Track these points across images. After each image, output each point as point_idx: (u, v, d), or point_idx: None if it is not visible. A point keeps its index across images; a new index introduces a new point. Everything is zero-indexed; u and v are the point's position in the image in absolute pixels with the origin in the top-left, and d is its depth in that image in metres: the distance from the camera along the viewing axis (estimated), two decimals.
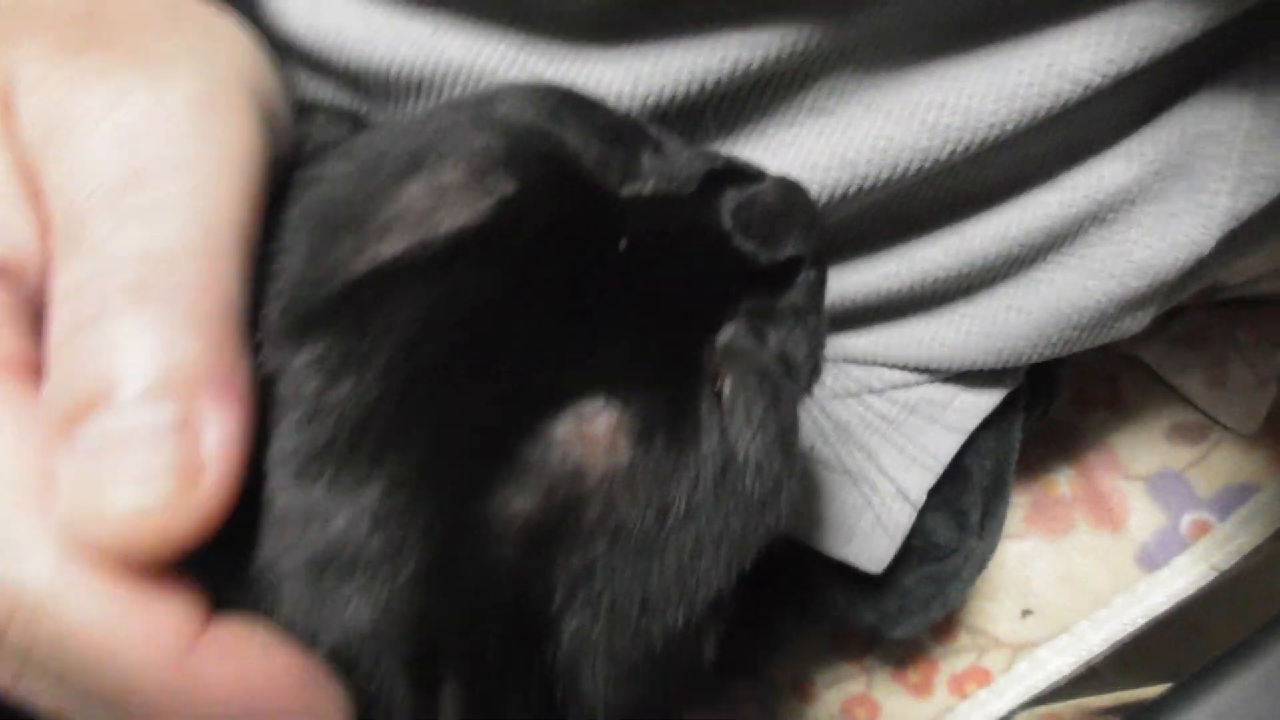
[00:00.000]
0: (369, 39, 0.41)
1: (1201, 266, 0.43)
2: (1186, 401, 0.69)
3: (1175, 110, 0.42)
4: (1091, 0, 0.38)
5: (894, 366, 0.49)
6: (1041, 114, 0.39)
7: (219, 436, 0.22)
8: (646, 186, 0.32)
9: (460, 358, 0.26)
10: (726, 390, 0.29)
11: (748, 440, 0.29)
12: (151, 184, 0.23)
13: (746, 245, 0.31)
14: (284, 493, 0.25)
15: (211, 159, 0.25)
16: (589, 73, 0.39)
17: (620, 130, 0.33)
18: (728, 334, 0.30)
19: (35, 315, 0.24)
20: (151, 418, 0.21)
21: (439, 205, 0.28)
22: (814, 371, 0.34)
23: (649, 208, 0.31)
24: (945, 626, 0.70)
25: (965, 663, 0.71)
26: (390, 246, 0.27)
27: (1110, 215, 0.43)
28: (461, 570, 0.25)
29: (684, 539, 0.28)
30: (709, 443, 0.28)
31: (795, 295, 0.32)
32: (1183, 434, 0.70)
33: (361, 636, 0.25)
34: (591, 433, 0.26)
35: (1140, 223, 0.42)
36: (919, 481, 0.48)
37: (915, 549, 0.51)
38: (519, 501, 0.25)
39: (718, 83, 0.39)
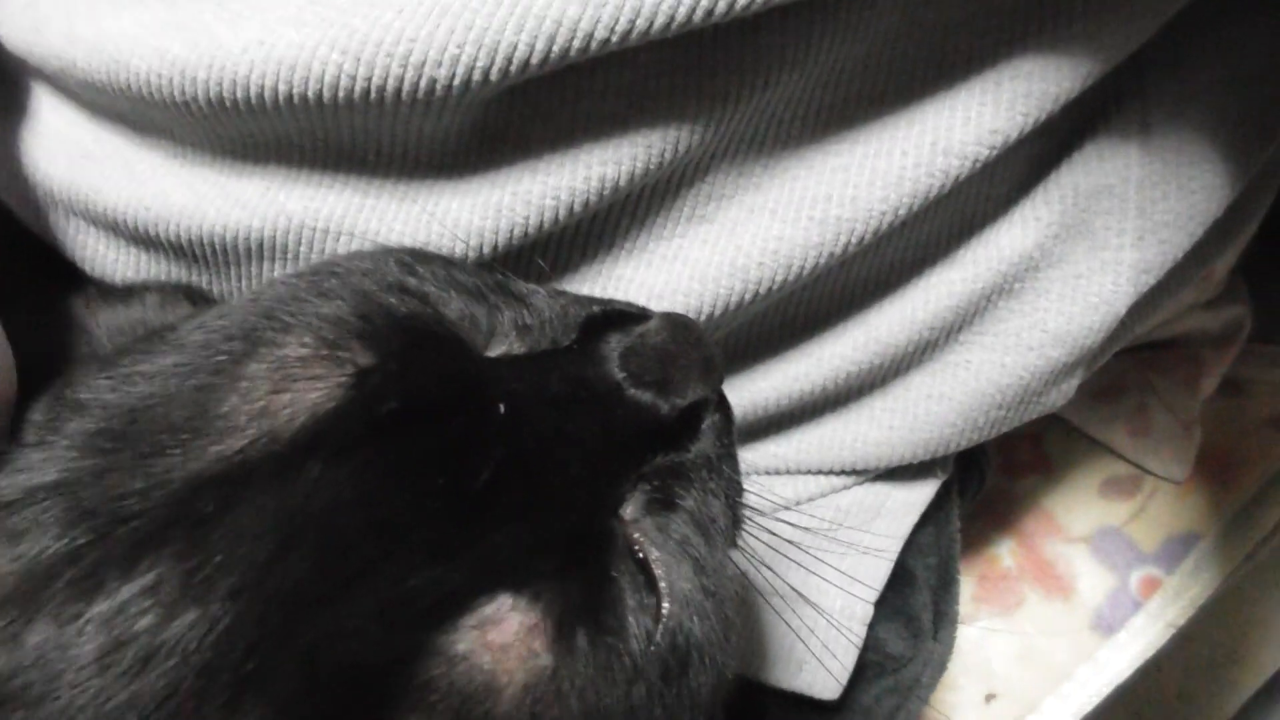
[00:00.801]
0: (196, 206, 0.37)
1: (1120, 327, 0.41)
2: (1115, 454, 0.68)
3: (1063, 168, 0.40)
4: (964, 72, 0.36)
5: (819, 473, 0.45)
6: (932, 193, 0.36)
7: None
8: (517, 344, 0.29)
9: (324, 570, 0.22)
10: (653, 568, 0.25)
11: (684, 623, 0.25)
12: None
13: (643, 396, 0.27)
14: None
15: None
16: (443, 209, 0.36)
17: (478, 284, 0.30)
18: (638, 502, 0.27)
19: None
20: None
21: (284, 386, 0.24)
22: (735, 522, 0.30)
23: (525, 366, 0.28)
24: None
25: None
26: (231, 443, 0.23)
27: (1017, 285, 0.40)
28: None
29: None
30: (637, 628, 0.24)
31: (704, 444, 0.28)
32: (1116, 488, 0.68)
33: None
34: (500, 640, 0.22)
35: (1048, 290, 0.40)
36: (864, 594, 0.45)
37: (871, 664, 0.47)
38: None
39: (585, 202, 0.35)
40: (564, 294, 0.32)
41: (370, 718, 0.21)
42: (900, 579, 0.47)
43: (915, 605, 0.48)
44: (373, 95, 0.32)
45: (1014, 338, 0.41)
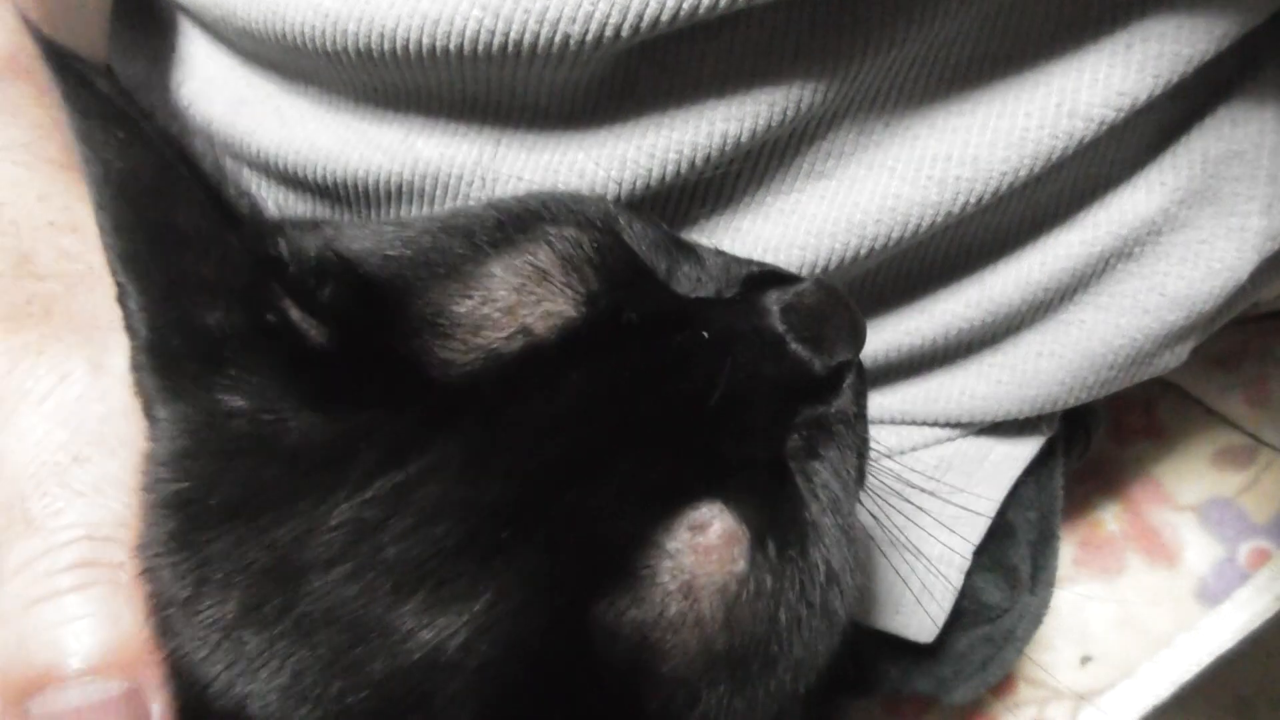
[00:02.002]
0: (341, 150, 0.40)
1: (1240, 293, 0.41)
2: (1230, 424, 0.67)
3: (1194, 134, 0.40)
4: (1091, 32, 0.36)
5: (925, 424, 0.46)
6: (1055, 155, 0.37)
7: (163, 703, 0.23)
8: (698, 291, 0.32)
9: (578, 459, 0.26)
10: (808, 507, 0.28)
11: (828, 556, 0.28)
12: (91, 463, 0.26)
13: (802, 351, 0.30)
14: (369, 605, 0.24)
15: (140, 434, 0.27)
16: (570, 162, 0.38)
17: (659, 236, 0.33)
18: (793, 445, 0.29)
19: None
20: (99, 693, 0.23)
21: (528, 290, 0.28)
22: (861, 478, 0.32)
23: (712, 306, 0.31)
24: (1003, 680, 0.66)
25: (1028, 716, 0.67)
26: (490, 334, 0.27)
27: (1137, 249, 0.41)
28: (568, 674, 0.24)
29: (791, 648, 0.27)
30: (816, 552, 0.27)
31: (844, 402, 0.31)
32: (1230, 458, 0.67)
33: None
34: (705, 543, 0.26)
35: (1170, 254, 0.40)
36: (963, 543, 0.46)
37: (966, 611, 0.49)
38: (633, 611, 0.25)
39: (707, 158, 0.37)
40: (723, 253, 0.34)
41: (593, 593, 0.25)
42: (1000, 531, 0.48)
43: (1013, 557, 0.49)
44: (509, 49, 0.34)
45: (1130, 299, 0.41)
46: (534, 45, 0.34)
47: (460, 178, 0.39)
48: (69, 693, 0.22)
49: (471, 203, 0.39)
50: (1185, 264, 0.40)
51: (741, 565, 0.26)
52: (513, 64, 0.35)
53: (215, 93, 0.44)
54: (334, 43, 0.36)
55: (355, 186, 0.40)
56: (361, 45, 0.35)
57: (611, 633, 0.25)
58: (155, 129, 0.29)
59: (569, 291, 0.28)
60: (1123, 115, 0.36)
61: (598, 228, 0.31)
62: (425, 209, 0.40)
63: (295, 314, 0.27)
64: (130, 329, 0.28)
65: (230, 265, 0.28)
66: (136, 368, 0.28)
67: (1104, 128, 0.36)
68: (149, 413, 0.28)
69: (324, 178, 0.41)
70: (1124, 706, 0.66)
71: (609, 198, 0.38)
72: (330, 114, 0.41)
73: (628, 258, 0.31)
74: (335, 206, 0.42)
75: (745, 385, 0.28)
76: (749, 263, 0.34)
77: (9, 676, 0.23)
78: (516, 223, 0.30)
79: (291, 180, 0.42)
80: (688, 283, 0.32)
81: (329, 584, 0.24)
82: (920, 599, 0.46)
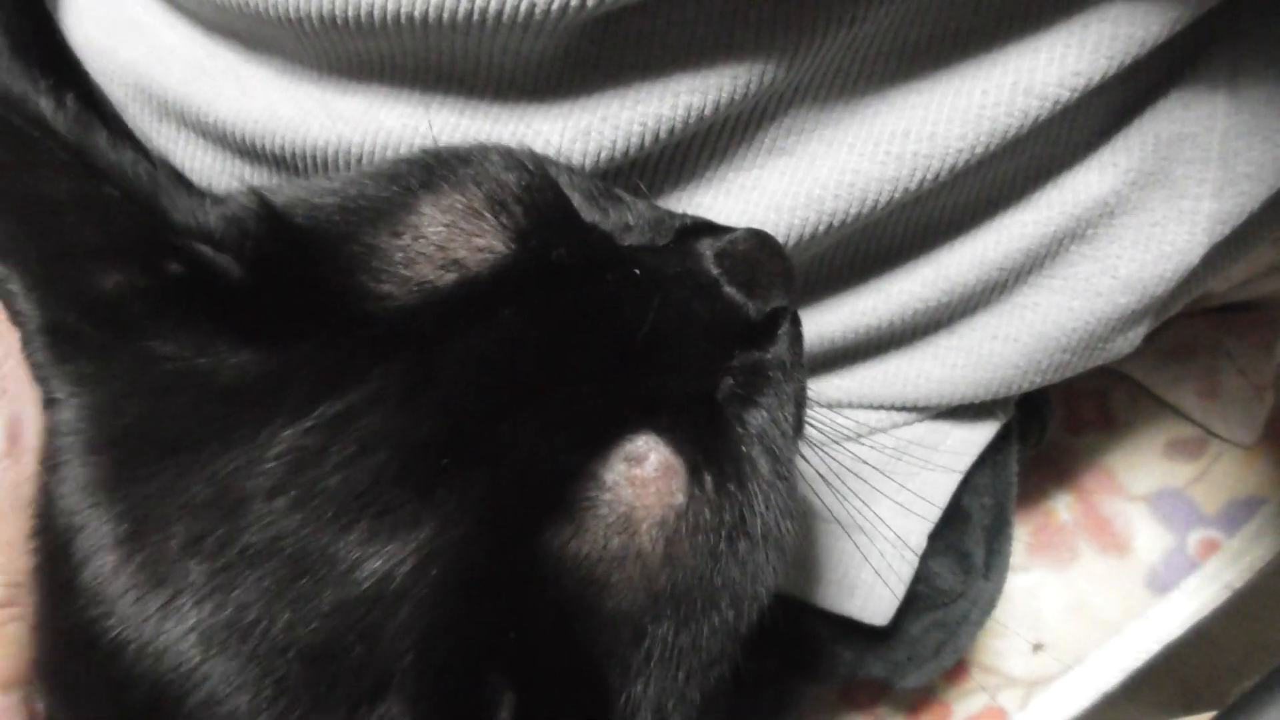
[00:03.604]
0: (302, 120, 0.39)
1: (1193, 277, 0.41)
2: (1181, 415, 0.68)
3: (1146, 116, 0.40)
4: (1050, 13, 0.36)
5: (881, 408, 0.47)
6: (1010, 133, 0.37)
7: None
8: (629, 238, 0.31)
9: (512, 393, 0.26)
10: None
11: (764, 499, 0.28)
12: None
13: (736, 295, 0.30)
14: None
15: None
16: (535, 132, 0.38)
17: (589, 186, 0.33)
18: (725, 392, 0.29)
19: None
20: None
21: (458, 229, 0.28)
22: (798, 427, 0.32)
23: (641, 250, 0.31)
24: (956, 667, 0.67)
25: (979, 704, 0.68)
26: (421, 270, 0.27)
27: (1090, 231, 0.41)
28: (514, 603, 0.24)
29: (732, 583, 0.27)
30: (753, 486, 0.28)
31: (780, 349, 0.31)
32: (1181, 450, 0.68)
33: (413, 656, 0.24)
34: (642, 475, 0.26)
35: (1122, 236, 0.41)
36: (917, 527, 0.46)
37: (920, 596, 0.49)
38: (574, 544, 0.25)
39: (671, 130, 0.37)
40: (656, 206, 0.34)
41: (536, 525, 0.25)
42: (955, 516, 0.48)
43: (968, 542, 0.49)
44: (474, 17, 0.33)
45: (1083, 282, 0.41)
46: (499, 14, 0.33)
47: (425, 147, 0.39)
48: None
49: None
50: (1137, 246, 0.40)
51: (680, 498, 0.26)
52: (478, 33, 0.34)
53: (173, 61, 0.43)
54: (296, 9, 0.35)
55: (315, 157, 0.40)
56: (326, 12, 0.35)
57: (555, 565, 0.25)
58: (20, 96, 0.27)
59: (499, 229, 0.28)
60: (1077, 95, 0.36)
61: (528, 170, 0.31)
62: None
63: (208, 253, 0.27)
64: (17, 316, 0.27)
65: (116, 224, 0.27)
66: (30, 355, 0.27)
67: (1058, 107, 0.37)
68: (48, 397, 0.27)
69: (283, 147, 0.40)
70: (1075, 694, 0.67)
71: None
72: (292, 84, 0.40)
73: (558, 200, 0.31)
74: (293, 178, 0.42)
75: (677, 323, 0.29)
76: (682, 215, 0.34)
77: None
78: (445, 166, 0.30)
79: (249, 151, 0.41)
80: (618, 230, 0.32)
81: (272, 514, 0.24)
82: (875, 582, 0.46)
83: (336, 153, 0.39)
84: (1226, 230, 0.40)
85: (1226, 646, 0.66)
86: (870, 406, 0.47)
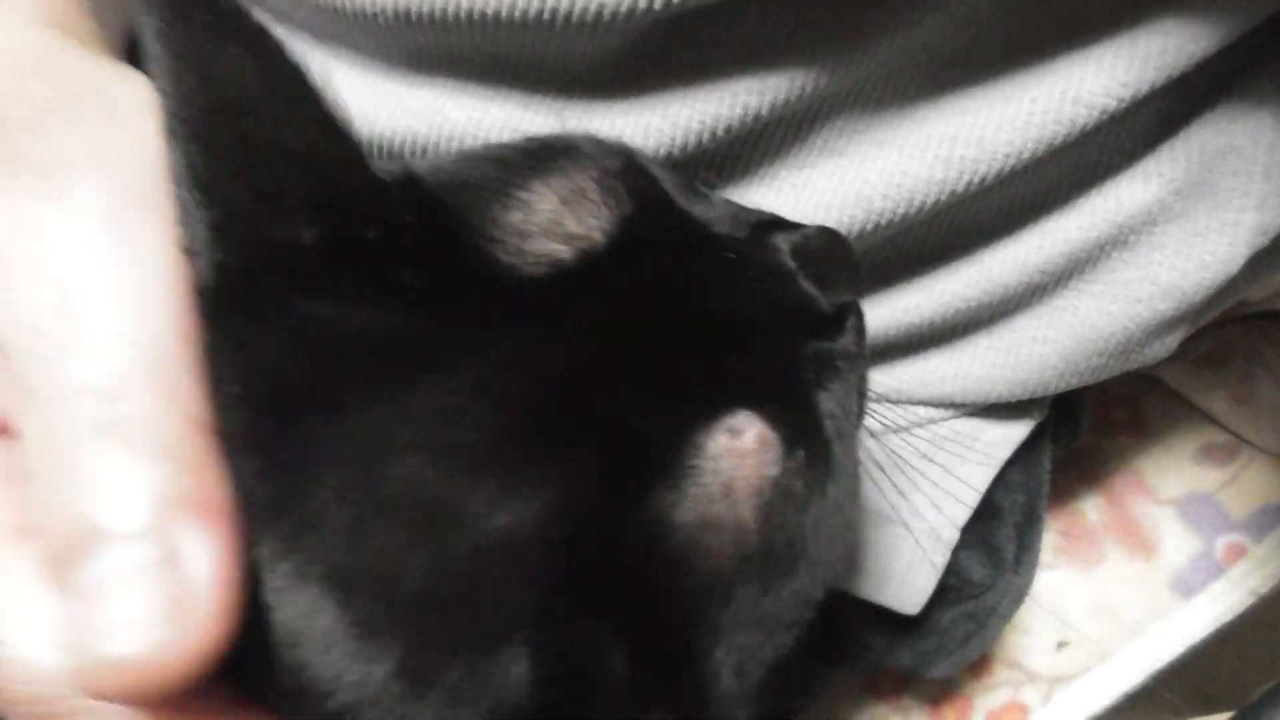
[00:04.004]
0: (371, 111, 0.41)
1: (1231, 285, 0.42)
2: (1213, 422, 0.68)
3: (1193, 127, 0.41)
4: (1102, 25, 0.37)
5: (919, 403, 0.48)
6: (1057, 141, 0.38)
7: (208, 563, 0.21)
8: (715, 227, 0.33)
9: (628, 359, 0.28)
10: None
11: (844, 467, 0.30)
12: (78, 317, 0.23)
13: (810, 287, 0.31)
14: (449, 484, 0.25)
15: (133, 276, 0.24)
16: (596, 126, 0.39)
17: (677, 180, 0.34)
18: (803, 374, 0.31)
19: None
20: (134, 558, 0.21)
21: (572, 206, 0.30)
22: (860, 414, 0.34)
23: (735, 242, 0.32)
24: (980, 661, 0.68)
25: (1002, 698, 0.69)
26: (546, 248, 0.29)
27: (1132, 238, 0.42)
28: (624, 562, 0.26)
29: (813, 551, 0.28)
30: (835, 461, 0.29)
31: (847, 340, 0.32)
32: (1211, 455, 0.68)
33: (535, 605, 0.25)
34: (741, 447, 0.27)
35: (1164, 244, 0.42)
36: (951, 520, 0.47)
37: (951, 588, 0.50)
38: (679, 509, 0.26)
39: (728, 129, 0.38)
40: (731, 201, 0.36)
41: (646, 488, 0.26)
42: (987, 511, 0.49)
43: (999, 537, 0.50)
44: (545, 16, 0.35)
45: (1123, 288, 0.42)
46: (569, 14, 0.35)
47: (486, 141, 0.40)
48: (96, 563, 0.21)
49: None
50: (1179, 255, 0.41)
51: (774, 470, 0.27)
52: (547, 31, 0.36)
53: None
54: (373, 5, 0.37)
55: (383, 147, 0.41)
56: (400, 8, 0.36)
57: (660, 528, 0.26)
58: (274, 44, 0.28)
59: (606, 209, 0.30)
60: (1124, 106, 0.37)
61: (628, 157, 0.32)
62: None
63: (388, 227, 0.28)
64: (190, 251, 0.27)
65: (336, 183, 0.28)
66: (198, 291, 0.27)
67: (1105, 116, 0.38)
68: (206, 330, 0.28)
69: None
70: (1097, 692, 0.68)
71: None
72: (360, 76, 0.42)
73: (655, 188, 0.32)
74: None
75: (766, 310, 0.30)
76: (755, 211, 0.36)
77: (49, 557, 0.23)
78: (546, 150, 0.32)
79: None
80: (706, 220, 0.34)
81: (411, 469, 0.25)
82: (908, 572, 0.47)
83: (404, 143, 0.41)
84: (1266, 241, 0.41)
85: (1249, 651, 0.67)
86: (908, 401, 0.48)
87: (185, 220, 0.27)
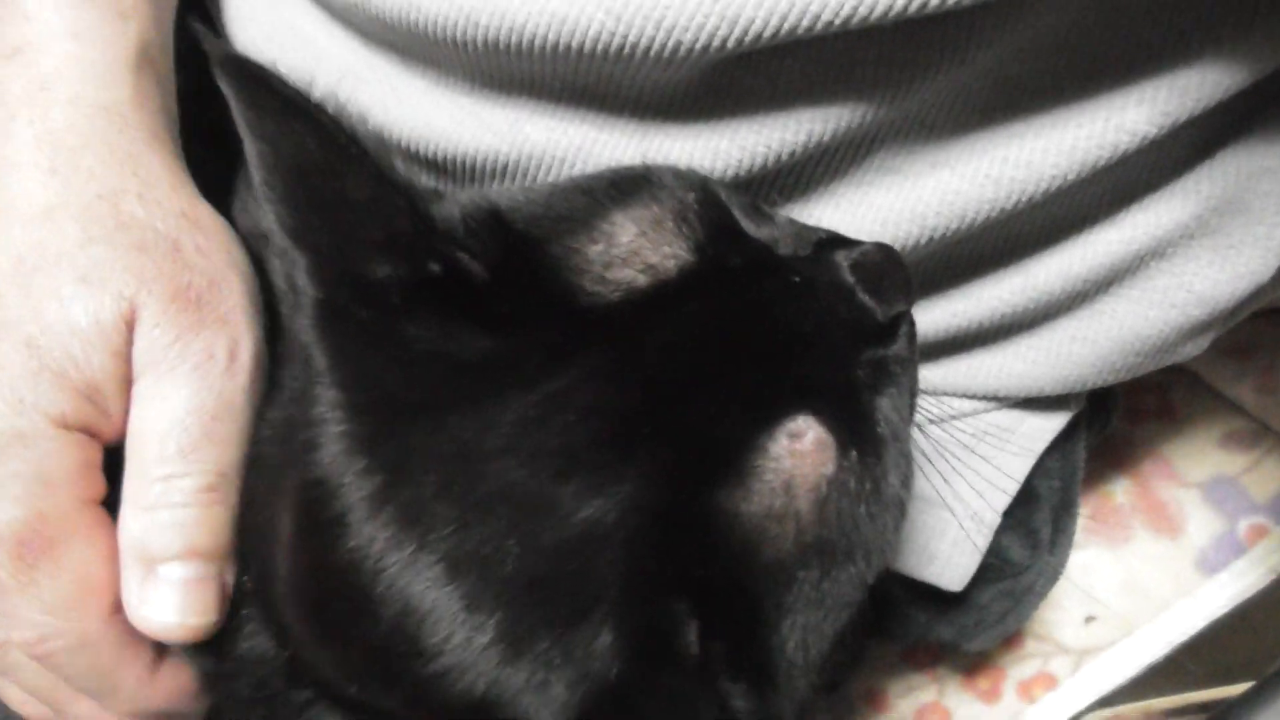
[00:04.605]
0: (454, 130, 0.44)
1: (1260, 292, 0.45)
2: (1238, 409, 0.71)
3: (1230, 149, 0.44)
4: (1145, 61, 0.40)
5: (963, 396, 0.51)
6: (1101, 163, 0.41)
7: (232, 579, 0.36)
8: (780, 248, 0.37)
9: (696, 377, 0.32)
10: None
11: (896, 464, 0.34)
12: (213, 428, 0.35)
13: (868, 300, 0.35)
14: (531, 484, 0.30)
15: (250, 404, 0.37)
16: (667, 150, 0.42)
17: (745, 203, 0.38)
18: (859, 379, 0.34)
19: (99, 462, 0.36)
20: (196, 572, 0.35)
21: (649, 237, 0.34)
22: (912, 413, 0.37)
23: (796, 262, 0.36)
24: (1012, 635, 0.72)
25: (1032, 669, 0.73)
26: (622, 272, 0.33)
27: (1170, 250, 0.45)
28: (695, 550, 0.30)
29: (866, 539, 0.32)
30: (889, 459, 0.33)
31: (900, 347, 0.36)
32: (1236, 441, 0.72)
33: (617, 587, 0.29)
34: (801, 448, 0.31)
35: (1199, 256, 0.45)
36: (993, 504, 0.51)
37: (991, 567, 0.54)
38: (745, 503, 0.30)
39: (792, 153, 0.41)
40: (794, 221, 0.39)
41: (714, 485, 0.30)
42: (1026, 496, 0.53)
43: (1037, 520, 0.54)
44: (625, 50, 0.37)
45: (1160, 295, 0.46)
46: (648, 49, 0.37)
47: (563, 160, 0.43)
48: (175, 570, 0.35)
49: None
50: (1213, 266, 0.45)
51: (830, 468, 0.31)
52: (625, 63, 0.38)
53: (331, 68, 0.47)
54: (464, 33, 0.39)
55: (465, 164, 0.44)
56: (490, 38, 0.39)
57: (728, 520, 0.30)
58: (328, 117, 0.33)
59: (681, 239, 0.34)
60: (1164, 132, 0.40)
61: (702, 188, 0.36)
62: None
63: (461, 256, 0.32)
64: (296, 292, 0.33)
65: (395, 225, 0.32)
66: (298, 324, 0.33)
67: (1146, 141, 0.41)
68: (306, 364, 0.33)
69: (436, 154, 0.44)
70: (1122, 663, 0.71)
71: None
72: (445, 95, 0.44)
73: (725, 215, 0.36)
74: (442, 180, 0.46)
75: (825, 323, 0.34)
76: (816, 229, 0.39)
77: (140, 552, 0.35)
78: (628, 182, 0.36)
79: (405, 155, 0.46)
80: (772, 242, 0.37)
81: (504, 469, 0.29)
82: (953, 552, 0.51)
83: (485, 161, 0.44)
84: None
85: (1267, 625, 0.70)
86: (954, 395, 0.51)
87: (288, 266, 0.33)
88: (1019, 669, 0.73)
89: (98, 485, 0.36)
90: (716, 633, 0.30)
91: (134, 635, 0.35)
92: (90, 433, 0.36)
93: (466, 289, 0.32)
